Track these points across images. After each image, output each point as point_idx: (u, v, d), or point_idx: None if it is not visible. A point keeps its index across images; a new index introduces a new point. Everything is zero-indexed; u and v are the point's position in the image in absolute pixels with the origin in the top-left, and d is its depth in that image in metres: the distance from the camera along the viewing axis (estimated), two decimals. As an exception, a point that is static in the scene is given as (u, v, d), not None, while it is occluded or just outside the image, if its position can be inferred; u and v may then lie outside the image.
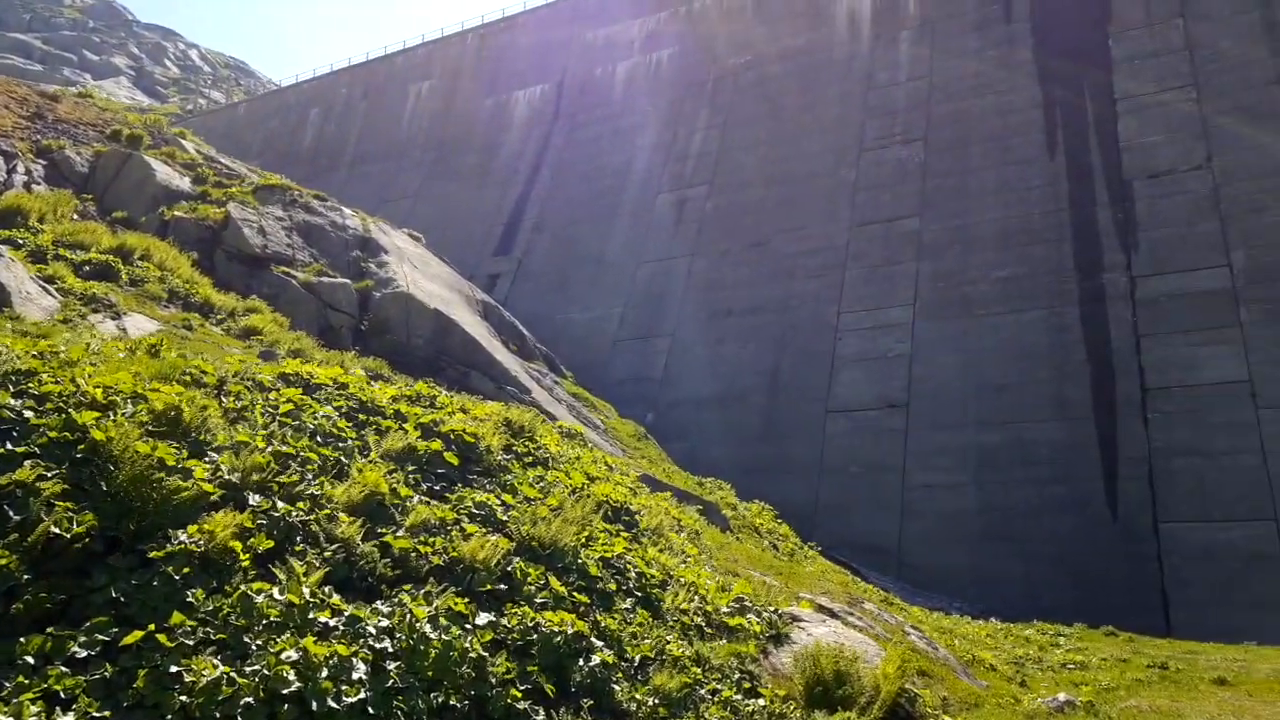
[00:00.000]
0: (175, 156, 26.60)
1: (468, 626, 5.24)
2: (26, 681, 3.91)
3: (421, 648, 4.76)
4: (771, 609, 7.59)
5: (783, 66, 47.27)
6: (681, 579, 7.50)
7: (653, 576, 7.21)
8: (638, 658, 5.87)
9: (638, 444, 27.30)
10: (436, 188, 58.89)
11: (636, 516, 8.44)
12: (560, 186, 52.31)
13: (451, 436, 7.75)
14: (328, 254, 24.74)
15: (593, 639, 5.74)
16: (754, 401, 35.69)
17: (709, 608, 7.25)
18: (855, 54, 44.82)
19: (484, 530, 6.44)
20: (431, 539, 5.99)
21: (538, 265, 49.00)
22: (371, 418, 7.62)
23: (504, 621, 5.50)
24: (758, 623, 7.19)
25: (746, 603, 7.54)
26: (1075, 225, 33.51)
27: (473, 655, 4.92)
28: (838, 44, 46.11)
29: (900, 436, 30.92)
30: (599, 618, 6.08)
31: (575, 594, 6.20)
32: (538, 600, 5.93)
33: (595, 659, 5.53)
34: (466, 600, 5.44)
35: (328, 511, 5.63)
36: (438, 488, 7.01)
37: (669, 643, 6.21)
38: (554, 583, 6.16)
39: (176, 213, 22.16)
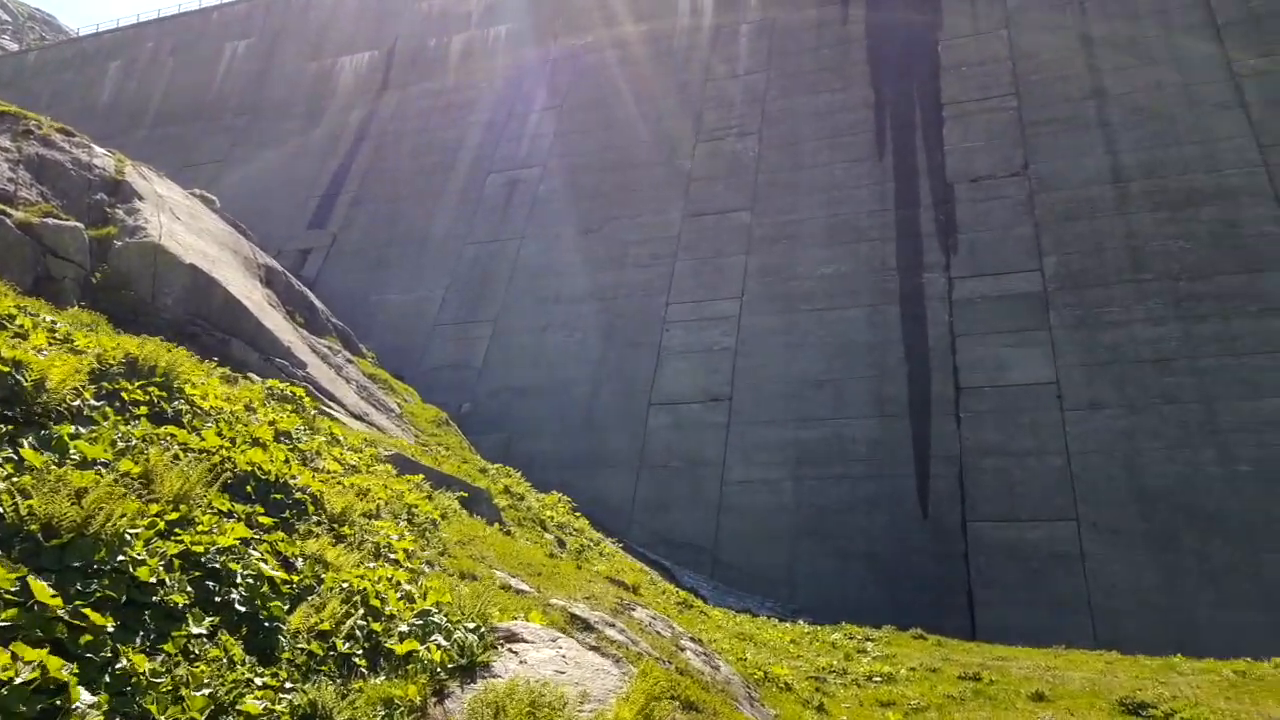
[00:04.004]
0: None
1: None
2: None
3: None
4: (473, 625, 5.33)
5: (624, 51, 45.93)
6: (344, 584, 5.15)
7: (287, 580, 4.83)
8: (177, 722, 3.47)
9: (436, 430, 24.63)
10: (248, 154, 54.02)
11: (298, 494, 5.98)
12: (384, 160, 48.94)
13: (-34, 365, 5.05)
14: (65, 195, 20.69)
15: (81, 695, 3.28)
16: (577, 392, 33.82)
17: (377, 626, 4.95)
18: (696, 43, 44.05)
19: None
20: None
21: (355, 242, 45.48)
22: None
23: None
24: (442, 649, 4.90)
25: (437, 618, 5.27)
26: (900, 225, 33.55)
27: None
28: (679, 32, 45.21)
29: (722, 430, 29.75)
30: (125, 652, 3.64)
31: (89, 613, 3.72)
32: (-7, 628, 3.43)
33: (69, 732, 3.10)
34: None
35: None
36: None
37: (250, 692, 3.80)
38: (43, 593, 3.66)
39: None
